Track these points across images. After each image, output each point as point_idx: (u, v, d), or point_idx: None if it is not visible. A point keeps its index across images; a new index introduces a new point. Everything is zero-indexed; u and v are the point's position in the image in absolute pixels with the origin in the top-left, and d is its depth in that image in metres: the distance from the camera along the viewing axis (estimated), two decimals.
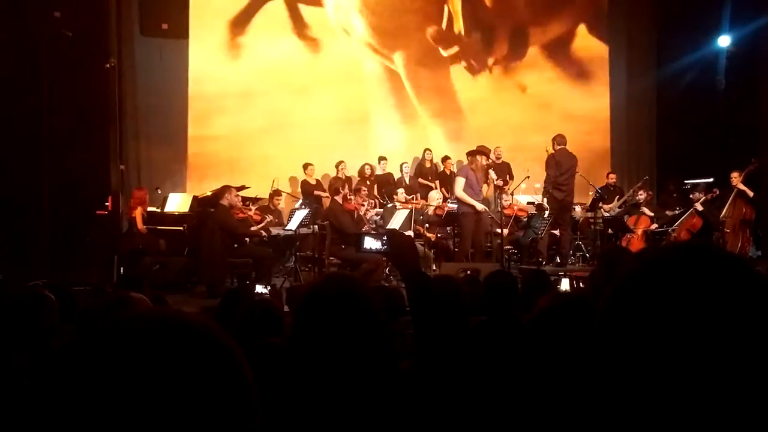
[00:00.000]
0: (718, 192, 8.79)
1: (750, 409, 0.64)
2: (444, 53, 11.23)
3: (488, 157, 8.07)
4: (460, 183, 7.81)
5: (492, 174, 8.13)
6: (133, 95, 9.44)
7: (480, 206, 7.80)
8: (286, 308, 3.75)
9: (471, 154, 8.23)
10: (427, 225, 8.77)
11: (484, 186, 8.00)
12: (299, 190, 9.77)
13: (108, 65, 7.94)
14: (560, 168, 8.35)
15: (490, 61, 11.58)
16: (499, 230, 8.12)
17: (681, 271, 0.69)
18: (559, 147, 8.60)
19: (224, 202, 7.25)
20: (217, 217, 7.23)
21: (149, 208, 8.39)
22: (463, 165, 8.67)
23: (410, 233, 8.33)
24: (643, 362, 0.67)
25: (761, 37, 10.26)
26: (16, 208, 7.51)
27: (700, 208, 8.72)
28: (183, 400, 0.60)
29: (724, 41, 10.61)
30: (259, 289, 4.69)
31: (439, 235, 8.70)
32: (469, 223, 7.80)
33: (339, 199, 8.01)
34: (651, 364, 0.67)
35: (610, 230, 9.34)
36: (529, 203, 9.73)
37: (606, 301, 0.73)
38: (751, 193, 8.53)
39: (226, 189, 7.49)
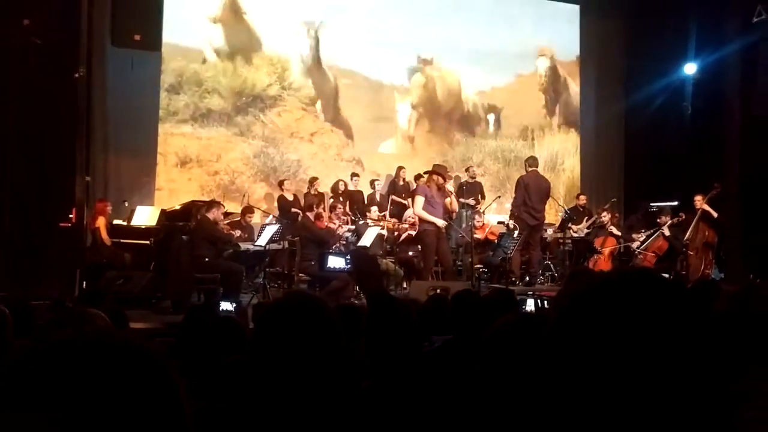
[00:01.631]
0: (684, 216, 8.96)
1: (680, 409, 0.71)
2: None
3: (444, 177, 8.12)
4: (419, 201, 7.83)
5: (449, 187, 8.16)
6: (102, 106, 9.30)
7: (441, 222, 7.81)
8: (252, 325, 3.70)
9: (428, 173, 8.29)
10: (399, 242, 8.79)
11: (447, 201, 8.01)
12: (275, 205, 9.71)
13: (77, 75, 7.82)
14: (528, 190, 8.42)
15: None
16: (471, 245, 8.18)
17: (620, 291, 0.76)
18: (530, 169, 8.69)
19: (210, 215, 7.35)
20: (202, 229, 7.24)
21: (115, 221, 8.25)
22: (419, 184, 8.71)
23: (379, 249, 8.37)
24: (587, 368, 0.74)
25: (726, 65, 10.56)
26: None
27: (667, 232, 8.89)
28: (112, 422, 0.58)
29: (690, 69, 10.90)
30: (225, 306, 4.62)
31: (410, 253, 8.71)
32: (431, 240, 7.80)
33: (311, 216, 8.01)
34: (594, 370, 0.73)
35: (579, 251, 9.47)
36: (499, 223, 9.82)
37: (557, 316, 0.80)
38: (715, 214, 8.72)
39: (214, 203, 7.68)
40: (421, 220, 7.89)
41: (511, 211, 8.77)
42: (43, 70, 7.91)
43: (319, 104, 10.88)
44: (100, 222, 7.91)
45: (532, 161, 8.82)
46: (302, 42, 10.74)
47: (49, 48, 7.91)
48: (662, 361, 0.71)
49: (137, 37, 8.10)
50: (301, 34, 10.71)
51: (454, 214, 8.48)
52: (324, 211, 8.80)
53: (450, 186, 8.25)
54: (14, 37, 7.71)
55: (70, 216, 7.55)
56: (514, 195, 8.80)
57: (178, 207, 8.28)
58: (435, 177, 7.97)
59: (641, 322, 0.72)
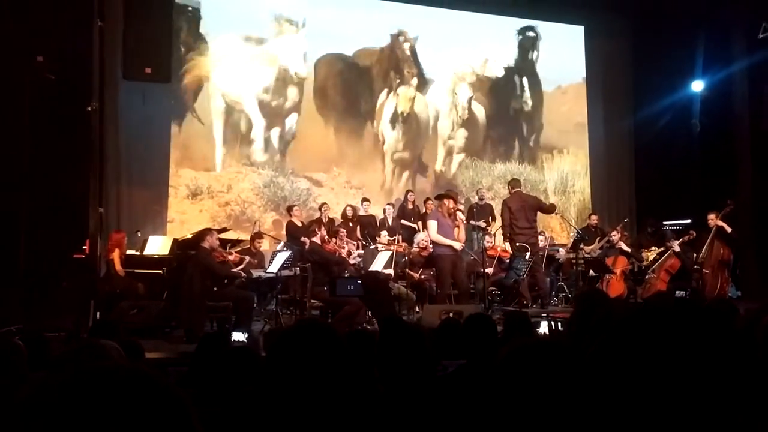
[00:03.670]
0: (694, 234, 8.89)
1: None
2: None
3: (455, 201, 8.12)
4: (433, 226, 7.80)
5: (460, 215, 8.14)
6: (114, 138, 9.43)
7: (457, 245, 7.77)
8: (264, 353, 3.69)
9: (439, 198, 8.28)
10: (409, 266, 8.76)
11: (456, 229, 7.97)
12: (283, 232, 9.74)
13: (89, 108, 7.95)
14: (512, 212, 8.40)
15: None
16: (482, 270, 8.14)
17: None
18: (513, 191, 8.68)
19: (205, 244, 7.26)
20: (198, 260, 7.18)
21: (128, 251, 8.30)
22: (432, 209, 8.68)
23: (390, 272, 8.34)
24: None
25: (733, 82, 10.57)
26: None
27: (677, 249, 8.82)
28: None
29: (697, 86, 10.91)
30: (237, 336, 4.61)
31: (422, 276, 8.68)
32: (446, 264, 7.74)
33: (317, 239, 8.02)
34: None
35: (591, 272, 9.40)
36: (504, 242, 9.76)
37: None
38: (729, 229, 8.62)
39: (207, 231, 7.53)
40: (437, 243, 7.84)
41: (503, 233, 8.76)
42: (56, 104, 8.05)
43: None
44: (115, 253, 7.95)
45: (514, 183, 8.79)
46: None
47: (62, 83, 8.06)
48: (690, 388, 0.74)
49: (148, 70, 8.21)
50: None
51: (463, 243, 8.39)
52: (328, 234, 8.82)
53: (460, 215, 8.21)
54: (29, 73, 7.87)
55: (84, 247, 7.61)
56: (501, 219, 8.80)
57: (190, 236, 8.32)
58: (446, 201, 7.94)
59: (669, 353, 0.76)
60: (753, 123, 10.36)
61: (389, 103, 11.40)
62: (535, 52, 12.26)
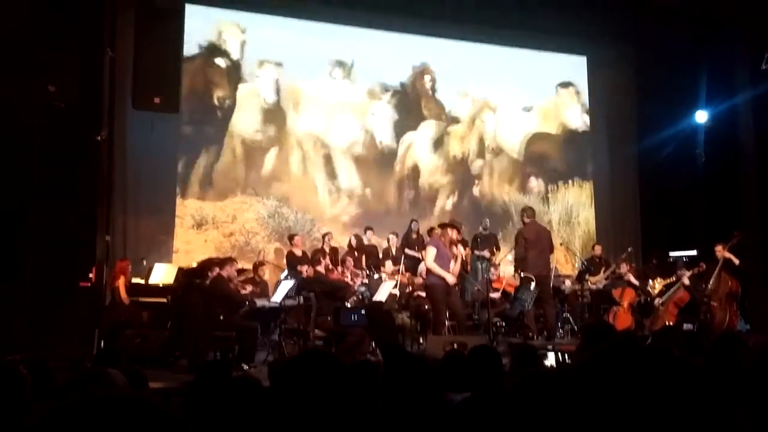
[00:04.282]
0: (704, 266, 8.80)
1: None
2: None
3: (459, 232, 7.99)
4: (431, 253, 7.57)
5: (460, 248, 7.95)
6: (122, 167, 9.51)
7: (451, 279, 7.52)
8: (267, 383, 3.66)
9: (443, 226, 8.16)
10: (414, 296, 8.73)
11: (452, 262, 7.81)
12: (284, 261, 9.74)
13: (99, 137, 8.04)
14: (528, 245, 8.27)
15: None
16: (487, 299, 8.05)
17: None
18: (528, 220, 8.52)
19: (224, 273, 7.33)
20: (211, 288, 7.19)
21: (134, 280, 8.31)
22: (433, 235, 8.58)
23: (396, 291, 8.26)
24: None
25: (737, 113, 10.62)
26: None
27: (687, 282, 8.74)
28: None
29: (701, 117, 10.95)
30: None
31: (426, 307, 8.63)
32: (438, 294, 7.51)
33: (321, 269, 8.01)
34: None
35: (599, 303, 9.34)
36: (515, 274, 9.73)
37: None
38: (737, 261, 8.54)
39: (228, 260, 7.65)
40: (429, 272, 7.63)
41: (514, 265, 8.61)
42: (66, 132, 8.14)
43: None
44: (120, 281, 7.96)
45: (529, 212, 8.56)
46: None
47: (72, 111, 8.16)
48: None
49: (157, 100, 8.32)
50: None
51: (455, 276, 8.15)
52: (335, 264, 8.82)
53: (461, 248, 8.04)
54: (39, 102, 7.97)
55: (90, 275, 7.63)
56: (514, 250, 8.58)
57: (195, 264, 8.32)
58: (450, 231, 7.82)
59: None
60: (758, 154, 10.37)
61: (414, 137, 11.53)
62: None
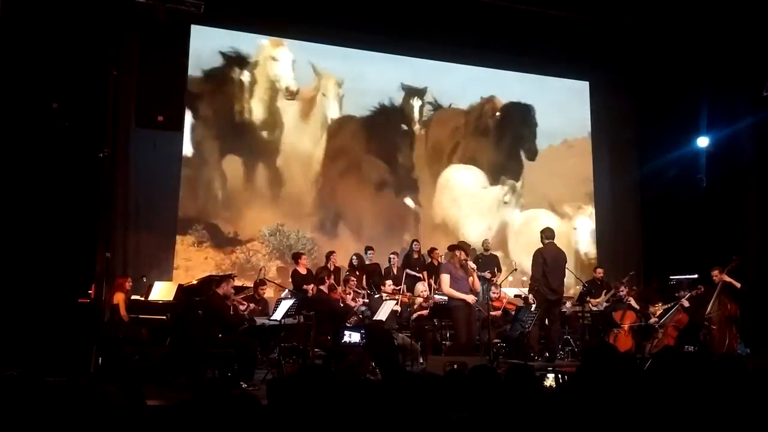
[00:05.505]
0: (703, 289, 8.80)
1: None
2: None
3: (467, 252, 8.00)
4: (446, 280, 7.63)
5: (471, 264, 7.99)
6: (125, 184, 9.53)
7: (470, 298, 7.61)
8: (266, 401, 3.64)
9: (451, 249, 8.17)
10: (414, 316, 8.71)
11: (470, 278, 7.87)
12: (289, 280, 9.71)
13: (101, 154, 8.08)
14: (547, 265, 8.26)
15: None
16: (487, 319, 8.01)
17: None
18: (547, 241, 8.51)
19: (220, 291, 7.27)
20: (212, 305, 7.17)
21: (133, 297, 8.29)
22: (443, 262, 8.60)
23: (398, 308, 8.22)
24: None
25: (738, 139, 10.66)
26: None
27: (686, 304, 8.73)
28: None
29: (702, 142, 10.98)
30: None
31: (426, 327, 8.60)
32: (461, 315, 7.56)
33: (324, 288, 7.99)
34: None
35: (599, 325, 9.30)
36: (516, 296, 9.71)
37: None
38: (738, 285, 8.50)
39: (225, 278, 7.57)
40: (450, 297, 7.67)
41: (530, 285, 8.59)
42: (69, 149, 8.19)
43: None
44: (119, 298, 7.94)
45: (549, 233, 8.58)
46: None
47: (76, 129, 8.21)
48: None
49: (160, 118, 8.35)
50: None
51: (477, 293, 8.21)
52: (337, 283, 8.80)
53: (471, 264, 8.08)
54: (43, 119, 8.03)
55: (89, 291, 7.62)
56: (532, 269, 8.60)
57: (195, 282, 8.31)
58: (458, 253, 7.83)
59: None
60: (759, 179, 10.39)
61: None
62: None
